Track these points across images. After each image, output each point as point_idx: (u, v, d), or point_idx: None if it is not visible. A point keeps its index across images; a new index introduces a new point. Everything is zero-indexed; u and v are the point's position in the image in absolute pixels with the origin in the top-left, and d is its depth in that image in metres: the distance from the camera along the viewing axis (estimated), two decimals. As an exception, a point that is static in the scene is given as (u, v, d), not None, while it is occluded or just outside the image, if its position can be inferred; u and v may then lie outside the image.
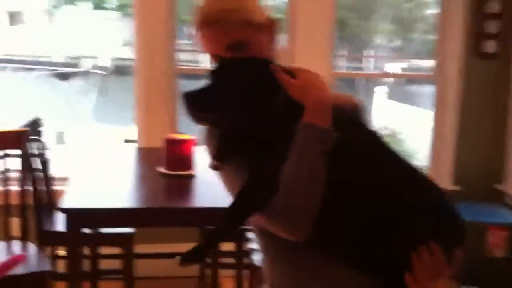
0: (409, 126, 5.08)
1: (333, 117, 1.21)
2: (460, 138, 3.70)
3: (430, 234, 1.21)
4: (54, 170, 2.93)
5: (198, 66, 3.81)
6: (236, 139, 1.24)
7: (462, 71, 3.62)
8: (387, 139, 1.33)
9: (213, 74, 1.23)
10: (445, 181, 3.73)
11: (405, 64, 5.24)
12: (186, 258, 1.18)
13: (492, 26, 3.58)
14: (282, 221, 1.19)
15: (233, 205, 1.21)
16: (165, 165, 2.50)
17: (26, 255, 2.37)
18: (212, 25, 1.27)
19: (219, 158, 1.24)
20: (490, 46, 3.60)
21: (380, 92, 5.93)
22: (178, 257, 1.19)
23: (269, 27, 1.32)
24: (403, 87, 6.21)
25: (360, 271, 1.23)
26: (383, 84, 5.89)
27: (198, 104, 1.18)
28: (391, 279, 1.22)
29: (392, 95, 6.04)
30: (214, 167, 1.25)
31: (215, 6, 1.28)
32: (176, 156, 2.49)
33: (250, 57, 1.25)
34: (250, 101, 1.19)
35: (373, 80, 5.74)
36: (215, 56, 1.29)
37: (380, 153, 1.26)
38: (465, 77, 3.63)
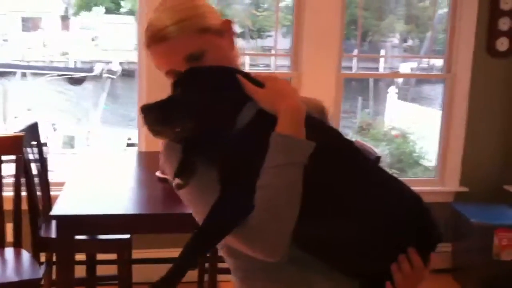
0: (420, 127, 5.00)
1: (306, 125, 1.15)
2: (469, 139, 3.63)
3: (407, 240, 1.19)
4: (59, 175, 2.90)
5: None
6: (202, 151, 1.16)
7: (473, 69, 3.54)
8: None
9: (176, 85, 1.17)
10: (453, 182, 3.66)
11: (416, 64, 5.16)
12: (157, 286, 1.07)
13: (504, 24, 3.49)
14: (259, 241, 1.10)
15: (204, 228, 1.11)
16: (162, 169, 2.45)
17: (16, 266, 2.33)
18: (163, 41, 1.19)
19: (183, 173, 1.15)
20: (503, 44, 3.51)
21: (392, 93, 5.86)
22: (149, 286, 1.08)
23: (227, 30, 1.25)
24: (414, 88, 6.13)
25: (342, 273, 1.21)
26: (395, 84, 5.82)
27: (161, 117, 1.11)
28: (372, 285, 1.21)
29: (403, 96, 5.96)
30: (178, 186, 1.15)
31: (163, 21, 1.19)
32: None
33: (213, 66, 1.18)
34: (218, 112, 1.13)
35: (385, 80, 5.67)
36: (171, 72, 1.21)
37: (353, 159, 1.22)
38: (475, 75, 3.55)
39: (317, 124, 1.21)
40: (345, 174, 1.17)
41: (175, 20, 1.19)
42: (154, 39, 1.20)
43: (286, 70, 3.56)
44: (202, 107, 1.12)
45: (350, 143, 1.24)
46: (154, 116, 1.11)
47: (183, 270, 1.08)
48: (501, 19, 3.48)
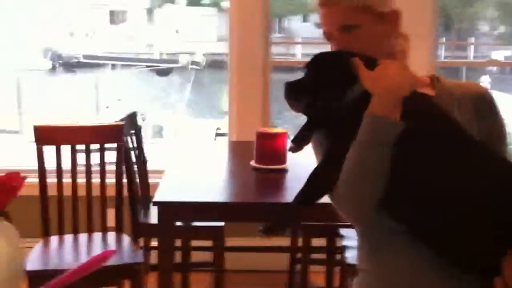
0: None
1: (411, 107, 1.20)
2: None
3: None
4: (151, 163, 2.99)
5: (292, 59, 3.76)
6: (313, 126, 1.34)
7: None
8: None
9: (306, 66, 1.35)
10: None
11: (510, 52, 4.92)
12: (268, 229, 1.31)
13: None
14: (343, 206, 1.25)
15: (305, 184, 1.31)
16: (256, 159, 2.47)
17: (117, 250, 2.42)
18: (326, 5, 1.31)
19: (297, 139, 1.34)
20: None
21: (484, 82, 5.63)
22: (260, 227, 1.32)
23: (391, 19, 1.32)
24: (509, 76, 5.85)
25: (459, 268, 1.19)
26: (488, 73, 5.58)
27: (290, 92, 1.33)
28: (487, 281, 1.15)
29: (496, 85, 5.71)
30: (290, 149, 1.36)
31: None
32: (268, 150, 2.45)
33: (336, 52, 1.34)
34: (327, 92, 1.28)
35: (477, 69, 5.44)
36: (328, 34, 1.34)
37: (459, 147, 1.21)
38: None
39: (427, 108, 1.25)
40: (450, 160, 1.18)
41: None
42: (321, 1, 1.33)
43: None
44: (318, 87, 1.30)
45: (463, 131, 1.23)
46: (286, 92, 1.33)
47: (290, 219, 1.42)
48: None
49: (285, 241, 2.98)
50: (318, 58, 1.34)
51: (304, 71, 1.35)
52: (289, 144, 1.42)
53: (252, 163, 2.48)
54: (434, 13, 3.34)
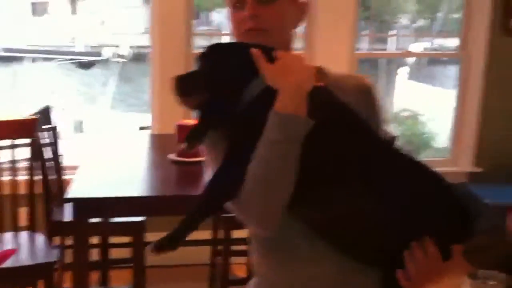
0: (432, 107, 4.97)
1: (316, 102, 1.15)
2: (484, 118, 3.61)
3: (430, 230, 1.13)
4: (70, 159, 2.90)
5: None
6: (210, 123, 1.22)
7: (488, 48, 3.50)
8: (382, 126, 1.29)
9: (200, 58, 1.25)
10: (466, 163, 3.65)
11: (429, 44, 5.11)
12: (158, 246, 1.14)
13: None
14: (248, 212, 1.16)
15: (203, 195, 1.19)
16: (176, 152, 2.44)
17: (17, 249, 2.34)
18: None
19: (191, 139, 1.22)
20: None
21: (402, 73, 5.82)
22: (149, 246, 1.15)
23: (302, 7, 1.30)
24: (426, 68, 6.07)
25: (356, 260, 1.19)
26: (406, 64, 5.77)
27: (183, 87, 1.20)
28: (389, 273, 1.14)
29: (415, 76, 5.91)
30: (184, 149, 1.36)
31: None
32: (187, 142, 2.42)
33: (234, 43, 1.28)
34: (226, 87, 1.20)
35: (396, 61, 5.61)
36: (237, 4, 1.26)
37: (367, 138, 1.20)
38: (490, 54, 3.52)
39: (330, 102, 1.21)
40: (358, 151, 1.16)
41: None
42: None
43: (300, 51, 3.54)
44: (214, 81, 1.20)
45: (365, 123, 1.22)
46: (178, 86, 1.20)
47: (185, 232, 1.16)
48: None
49: (206, 234, 2.96)
50: (215, 49, 1.24)
51: (199, 63, 1.24)
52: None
53: (172, 156, 2.45)
54: (354, 7, 3.39)
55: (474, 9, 3.51)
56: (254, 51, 1.17)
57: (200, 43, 3.66)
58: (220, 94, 1.20)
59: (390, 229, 1.13)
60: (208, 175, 1.25)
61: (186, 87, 1.21)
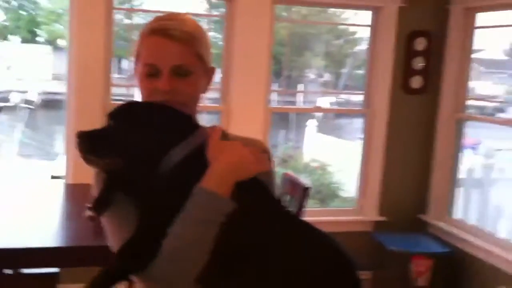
0: (338, 158, 5.19)
1: (242, 186, 1.14)
2: (387, 170, 3.81)
3: None
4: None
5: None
6: (126, 187, 1.15)
7: (390, 105, 3.73)
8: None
9: (111, 116, 1.16)
10: (372, 212, 3.81)
11: (335, 98, 5.39)
12: None
13: (417, 63, 3.72)
14: (159, 284, 1.11)
15: (110, 265, 1.11)
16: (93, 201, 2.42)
17: None
18: (168, 38, 1.18)
19: (97, 206, 1.15)
20: (417, 82, 3.74)
21: (311, 126, 6.06)
22: None
23: (210, 75, 1.29)
24: (333, 121, 6.38)
25: None
26: (314, 118, 6.03)
27: (91, 147, 1.12)
28: None
29: (323, 128, 6.18)
30: (90, 218, 1.19)
31: (179, 25, 1.21)
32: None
33: (151, 103, 1.18)
34: (144, 152, 1.12)
35: (305, 114, 5.86)
36: (155, 69, 1.19)
37: (278, 222, 1.19)
38: (392, 111, 3.75)
39: (254, 185, 1.18)
40: (267, 236, 1.14)
41: (190, 31, 1.21)
42: (161, 32, 1.19)
43: (216, 104, 3.62)
44: (129, 145, 1.12)
45: (280, 207, 1.23)
46: (86, 145, 1.11)
47: None
48: (415, 58, 3.71)
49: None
50: (128, 110, 1.16)
51: (111, 121, 1.15)
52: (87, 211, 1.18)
53: (89, 205, 2.42)
54: (268, 62, 3.53)
55: (377, 67, 3.73)
56: (216, 127, 1.20)
57: (117, 91, 3.65)
58: (133, 160, 1.12)
59: None
60: (111, 242, 1.17)
61: (92, 146, 1.12)
